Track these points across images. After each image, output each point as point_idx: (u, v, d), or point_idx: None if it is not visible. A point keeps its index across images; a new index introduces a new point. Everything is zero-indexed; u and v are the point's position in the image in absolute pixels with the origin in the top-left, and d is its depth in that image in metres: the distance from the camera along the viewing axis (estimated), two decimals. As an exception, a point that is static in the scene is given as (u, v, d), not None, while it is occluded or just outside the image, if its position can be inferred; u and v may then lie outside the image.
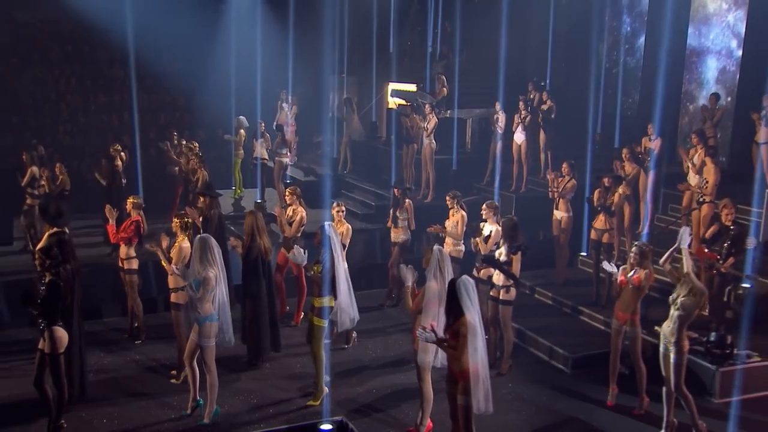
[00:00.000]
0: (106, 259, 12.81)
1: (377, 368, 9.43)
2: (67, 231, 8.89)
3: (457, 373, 6.55)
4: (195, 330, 7.76)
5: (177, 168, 15.54)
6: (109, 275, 11.47)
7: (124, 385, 8.78)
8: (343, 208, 10.43)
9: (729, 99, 16.33)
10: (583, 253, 12.80)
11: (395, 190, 11.61)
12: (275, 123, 17.68)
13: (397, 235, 11.39)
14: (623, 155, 11.91)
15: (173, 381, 8.73)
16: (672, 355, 7.65)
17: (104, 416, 8.04)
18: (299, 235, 10.54)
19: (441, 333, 6.68)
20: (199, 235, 7.93)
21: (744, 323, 9.78)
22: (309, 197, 16.61)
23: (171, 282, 8.52)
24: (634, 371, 8.40)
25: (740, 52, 16.06)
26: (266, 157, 16.65)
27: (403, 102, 18.27)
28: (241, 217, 15.64)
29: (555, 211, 11.71)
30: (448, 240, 10.66)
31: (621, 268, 8.40)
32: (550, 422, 8.25)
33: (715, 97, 13.85)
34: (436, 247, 7.61)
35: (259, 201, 15.94)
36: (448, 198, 10.87)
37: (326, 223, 8.62)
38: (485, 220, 10.00)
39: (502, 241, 9.28)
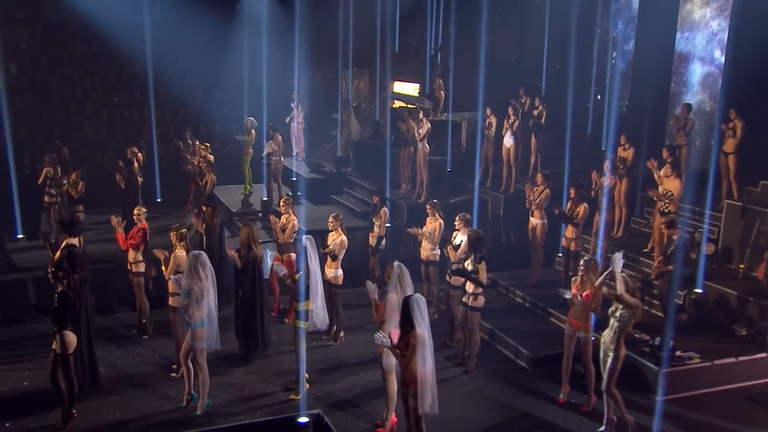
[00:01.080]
0: (122, 254, 13.71)
1: (358, 365, 10.18)
2: (78, 244, 9.78)
3: (408, 378, 7.33)
4: (188, 333, 8.61)
5: (190, 166, 16.35)
6: (122, 273, 12.28)
7: (130, 378, 9.68)
8: (340, 219, 10.94)
9: (711, 103, 16.84)
10: (560, 254, 13.47)
11: (374, 198, 12.32)
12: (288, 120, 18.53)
13: (373, 239, 12.11)
14: (604, 167, 12.46)
15: (173, 375, 9.60)
16: (609, 360, 8.37)
17: (111, 406, 8.94)
18: (292, 240, 11.30)
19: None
20: (192, 252, 8.74)
21: (695, 326, 10.56)
22: (313, 194, 17.55)
23: (170, 287, 9.37)
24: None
25: (723, 59, 16.49)
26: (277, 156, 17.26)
27: (403, 104, 18.90)
28: (250, 213, 16.62)
29: (531, 218, 12.36)
30: (425, 244, 11.42)
31: (573, 279, 9.10)
32: (505, 417, 8.99)
33: (687, 107, 14.30)
34: (396, 263, 8.34)
35: (265, 198, 16.69)
36: (428, 206, 11.60)
37: (303, 236, 9.39)
38: (458, 230, 10.72)
39: (468, 252, 10.00)
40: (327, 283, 10.59)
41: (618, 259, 8.33)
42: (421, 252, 11.59)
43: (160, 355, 10.26)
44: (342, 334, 10.84)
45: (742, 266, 11.30)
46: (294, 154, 19.72)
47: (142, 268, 10.62)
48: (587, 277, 8.81)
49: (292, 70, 20.31)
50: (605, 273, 8.42)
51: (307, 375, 9.42)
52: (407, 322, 7.26)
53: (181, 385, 9.11)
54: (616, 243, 12.67)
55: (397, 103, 20.41)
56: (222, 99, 21.74)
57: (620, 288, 8.16)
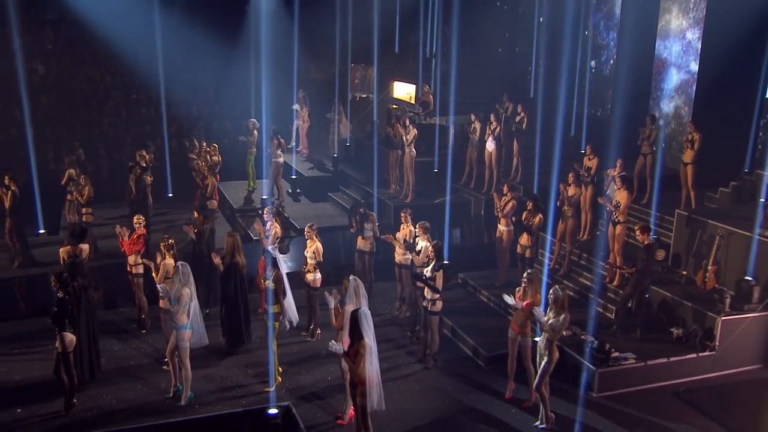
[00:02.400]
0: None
1: (330, 360, 10.89)
2: (85, 251, 10.78)
3: (357, 380, 8.22)
4: (174, 334, 9.58)
5: (195, 165, 17.24)
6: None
7: (127, 369, 10.68)
8: (314, 228, 11.73)
9: (686, 108, 17.40)
10: (545, 252, 14.22)
11: (361, 209, 13.12)
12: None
13: (365, 244, 12.93)
14: (569, 179, 13.15)
15: (164, 368, 10.54)
16: (543, 363, 9.20)
17: (107, 394, 9.95)
18: (276, 246, 12.17)
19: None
20: (178, 263, 9.69)
21: (639, 328, 11.32)
22: (310, 191, 18.39)
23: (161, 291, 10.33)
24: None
25: (697, 67, 17.02)
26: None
27: (395, 107, 19.61)
28: (251, 210, 17.52)
29: (498, 225, 13.12)
30: (399, 249, 12.25)
31: (517, 289, 9.90)
32: (452, 411, 9.84)
33: (651, 118, 14.89)
34: (351, 277, 9.23)
35: (264, 197, 17.59)
36: (402, 214, 12.40)
37: (269, 247, 10.27)
38: (418, 236, 11.57)
39: (428, 261, 10.82)
40: (306, 285, 11.53)
41: (539, 312, 9.13)
42: (395, 256, 12.44)
43: (155, 348, 11.22)
44: (318, 331, 11.73)
45: (684, 272, 11.98)
46: (296, 150, 20.58)
47: (141, 270, 11.54)
48: (529, 289, 9.62)
49: (293, 68, 21.04)
50: (541, 324, 9.15)
51: (281, 368, 10.38)
52: (356, 333, 8.14)
53: (170, 378, 10.08)
54: (580, 246, 13.46)
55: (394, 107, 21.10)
56: (232, 96, 22.56)
57: (547, 330, 9.02)
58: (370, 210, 13.23)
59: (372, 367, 8.19)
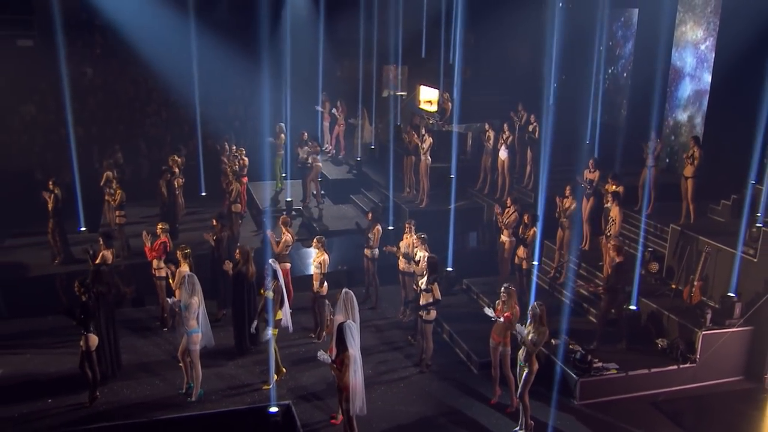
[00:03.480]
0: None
1: (332, 362, 11.77)
2: (111, 256, 11.68)
3: (342, 387, 8.90)
4: (185, 338, 10.38)
5: (226, 167, 18.05)
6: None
7: (147, 365, 11.54)
8: (323, 241, 12.39)
9: (699, 119, 17.51)
10: (535, 262, 14.67)
11: (368, 214, 13.74)
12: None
13: (369, 252, 13.56)
14: (566, 191, 13.55)
15: (180, 365, 11.34)
16: (524, 374, 9.72)
17: (127, 388, 10.82)
18: (287, 252, 12.86)
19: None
20: (187, 273, 10.47)
21: (626, 339, 11.72)
22: (335, 193, 19.06)
23: (177, 294, 11.12)
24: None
25: (710, 78, 17.10)
26: (307, 159, 18.57)
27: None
28: (276, 212, 18.24)
29: (501, 236, 13.59)
30: (402, 258, 12.85)
31: (496, 302, 10.42)
32: (439, 413, 10.39)
33: (656, 132, 15.10)
34: (344, 290, 9.87)
35: (289, 199, 18.30)
36: (406, 225, 12.99)
37: (270, 260, 10.93)
38: (416, 247, 12.18)
39: (424, 272, 11.39)
40: (314, 294, 12.20)
41: (519, 327, 9.68)
42: (399, 263, 13.05)
43: (174, 346, 11.93)
44: (324, 333, 12.37)
45: (674, 286, 12.31)
46: (332, 153, 21.32)
47: (163, 273, 12.38)
48: (507, 302, 10.14)
49: (318, 70, 21.71)
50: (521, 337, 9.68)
51: (284, 369, 11.11)
52: (341, 344, 8.80)
53: (184, 375, 10.90)
54: (582, 255, 13.89)
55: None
56: (264, 97, 23.27)
57: (526, 340, 9.54)
58: (381, 215, 13.77)
59: (356, 375, 8.86)
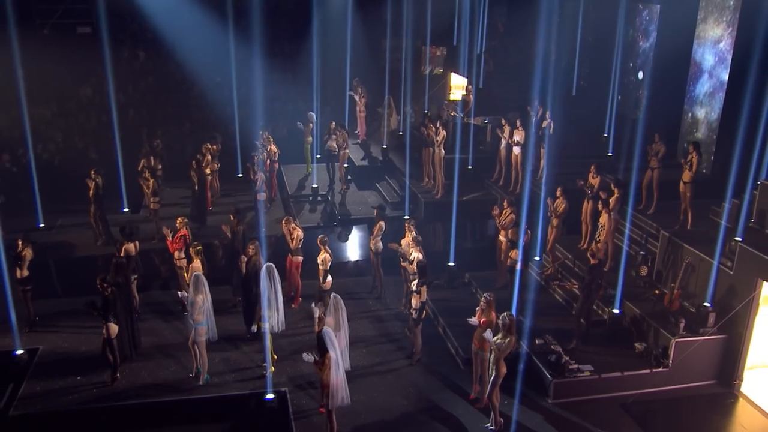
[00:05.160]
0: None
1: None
2: (134, 248, 12.69)
3: (324, 384, 9.70)
4: (193, 330, 11.32)
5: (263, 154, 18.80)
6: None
7: (166, 347, 12.55)
8: (326, 240, 13.02)
9: (714, 115, 17.42)
10: (536, 257, 15.11)
11: (375, 210, 14.35)
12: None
13: (373, 245, 14.23)
14: (557, 193, 13.90)
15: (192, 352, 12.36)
16: (492, 377, 10.32)
17: (144, 371, 11.85)
18: (300, 246, 13.63)
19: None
20: (195, 273, 11.36)
21: (607, 341, 12.15)
22: (360, 179, 19.67)
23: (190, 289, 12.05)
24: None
25: (726, 76, 16.96)
26: (335, 149, 19.20)
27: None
28: (303, 196, 19.01)
29: (499, 236, 14.05)
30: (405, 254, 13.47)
31: (477, 309, 10.97)
32: (419, 406, 11.07)
33: (659, 135, 15.16)
34: (333, 294, 10.60)
35: (315, 186, 18.98)
36: (405, 224, 13.59)
37: (266, 264, 11.61)
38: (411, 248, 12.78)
39: (415, 276, 12.00)
40: (319, 287, 12.95)
41: (488, 334, 10.25)
42: (401, 259, 13.68)
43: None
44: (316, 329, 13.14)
45: (657, 291, 12.61)
46: (362, 139, 21.92)
47: (184, 263, 13.32)
48: (486, 309, 10.69)
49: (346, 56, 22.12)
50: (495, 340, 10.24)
51: (275, 356, 11.94)
52: (322, 348, 9.59)
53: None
54: (577, 255, 14.25)
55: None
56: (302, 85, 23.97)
57: (493, 345, 10.14)
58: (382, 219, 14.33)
59: (338, 374, 9.65)
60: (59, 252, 16.30)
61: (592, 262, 11.88)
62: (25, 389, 11.34)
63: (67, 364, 12.01)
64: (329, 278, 12.89)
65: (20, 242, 12.77)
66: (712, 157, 17.34)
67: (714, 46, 17.32)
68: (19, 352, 12.17)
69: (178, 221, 13.48)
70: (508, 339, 10.08)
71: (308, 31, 22.98)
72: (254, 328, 11.84)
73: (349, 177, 19.81)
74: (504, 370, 10.30)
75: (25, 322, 12.91)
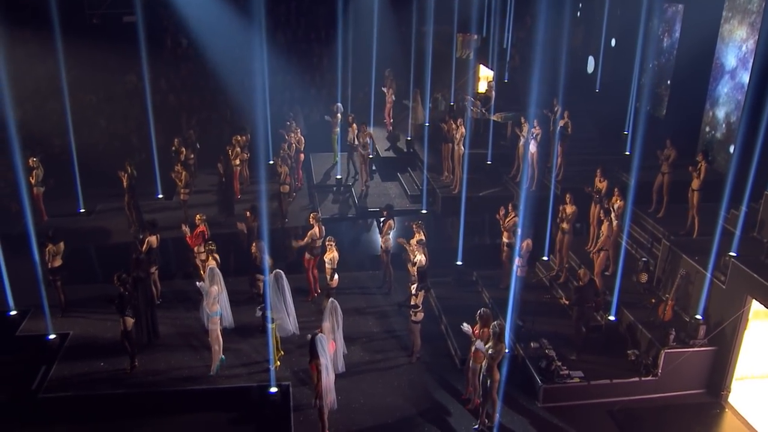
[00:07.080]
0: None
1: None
2: (156, 241, 13.27)
3: (315, 386, 10.13)
4: (208, 321, 11.86)
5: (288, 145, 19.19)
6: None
7: (185, 336, 13.15)
8: (333, 240, 13.33)
9: (735, 117, 17.03)
10: (545, 257, 15.18)
11: (384, 211, 14.60)
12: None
13: (384, 244, 14.52)
14: (566, 199, 13.91)
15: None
16: (488, 384, 10.54)
17: (162, 360, 12.45)
18: (318, 245, 13.96)
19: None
20: (210, 267, 11.88)
21: (601, 348, 12.26)
22: (384, 169, 19.88)
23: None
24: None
25: (747, 78, 16.54)
26: (354, 141, 19.27)
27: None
28: (327, 186, 19.35)
29: (502, 238, 14.15)
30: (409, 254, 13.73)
31: (474, 324, 11.16)
32: (414, 405, 11.41)
33: (670, 140, 14.94)
34: (330, 299, 10.97)
35: (339, 177, 19.28)
36: (413, 225, 13.81)
37: (274, 272, 12.00)
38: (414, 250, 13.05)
39: (415, 279, 12.26)
40: (327, 285, 13.32)
41: (479, 344, 10.47)
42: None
43: (208, 322, 13.61)
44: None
45: (653, 300, 12.61)
46: (390, 131, 22.10)
47: (203, 257, 13.83)
48: (480, 323, 10.88)
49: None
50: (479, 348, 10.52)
51: (282, 352, 12.42)
52: (313, 353, 10.00)
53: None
54: (584, 258, 14.27)
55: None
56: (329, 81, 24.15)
57: (485, 354, 10.34)
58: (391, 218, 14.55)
59: (329, 377, 10.07)
60: (96, 238, 17.05)
61: (580, 283, 11.94)
62: (54, 373, 12.08)
63: (93, 350, 12.70)
64: (336, 276, 13.25)
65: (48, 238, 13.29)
66: (731, 159, 16.95)
67: (738, 47, 16.85)
68: (52, 336, 12.92)
69: (197, 218, 13.98)
70: (499, 347, 10.29)
71: (340, 19, 23.09)
72: (259, 309, 12.25)
73: (373, 167, 20.03)
74: (498, 376, 10.52)
75: (58, 308, 13.63)
